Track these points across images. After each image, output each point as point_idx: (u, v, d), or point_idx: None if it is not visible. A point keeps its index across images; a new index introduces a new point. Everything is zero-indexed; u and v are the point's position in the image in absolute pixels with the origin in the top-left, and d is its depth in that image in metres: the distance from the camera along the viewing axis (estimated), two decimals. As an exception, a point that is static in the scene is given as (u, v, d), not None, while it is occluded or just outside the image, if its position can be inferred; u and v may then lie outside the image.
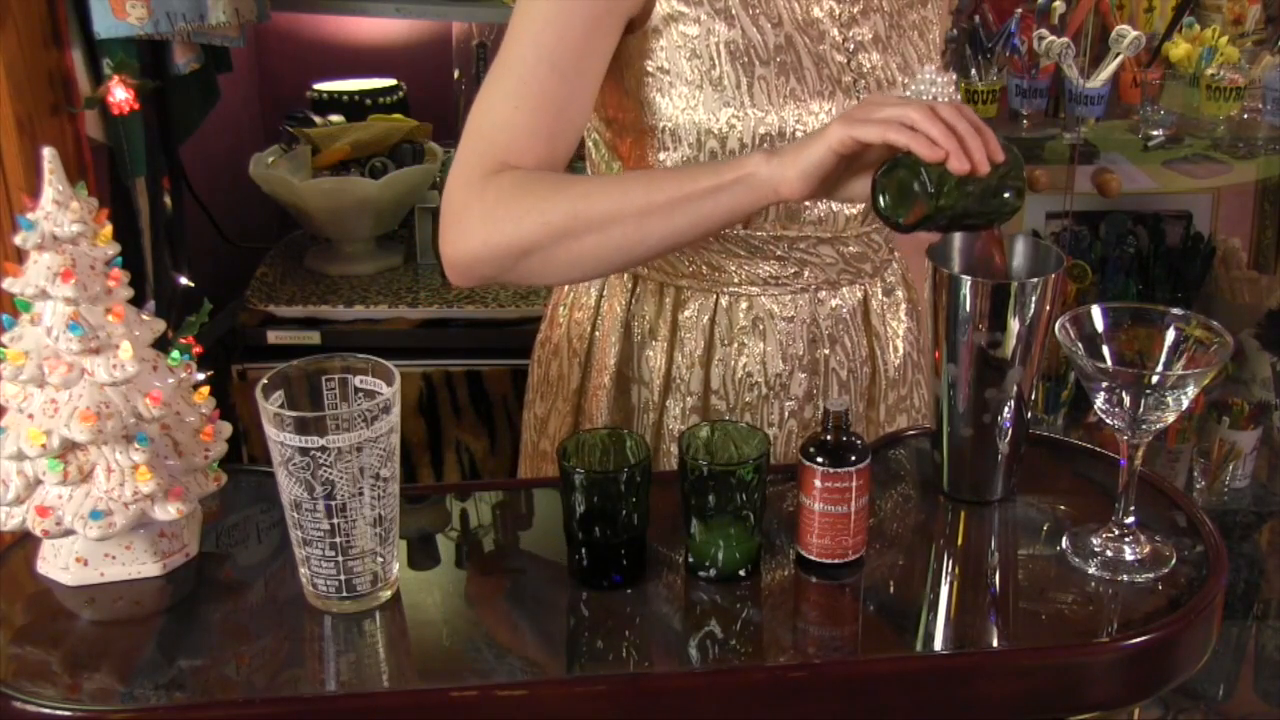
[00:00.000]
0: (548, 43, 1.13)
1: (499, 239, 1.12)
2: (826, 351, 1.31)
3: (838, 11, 1.22)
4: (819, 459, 1.00)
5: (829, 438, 1.01)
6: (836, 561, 1.02)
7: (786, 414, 1.31)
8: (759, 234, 1.25)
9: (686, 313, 1.30)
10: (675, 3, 1.17)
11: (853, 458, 1.00)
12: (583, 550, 1.00)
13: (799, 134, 1.19)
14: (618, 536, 0.99)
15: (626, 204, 1.11)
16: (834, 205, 1.25)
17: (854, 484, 1.00)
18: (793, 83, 1.19)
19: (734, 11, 1.18)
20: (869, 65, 1.23)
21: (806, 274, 1.28)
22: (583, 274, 1.24)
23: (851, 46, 1.22)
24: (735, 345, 1.29)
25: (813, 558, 1.02)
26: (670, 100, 1.20)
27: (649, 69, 1.20)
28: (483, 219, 1.12)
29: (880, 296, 1.35)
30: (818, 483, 1.00)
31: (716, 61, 1.18)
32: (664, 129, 1.21)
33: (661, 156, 1.22)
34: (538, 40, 1.13)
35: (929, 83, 1.16)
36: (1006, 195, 1.03)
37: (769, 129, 1.18)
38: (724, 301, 1.29)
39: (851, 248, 1.29)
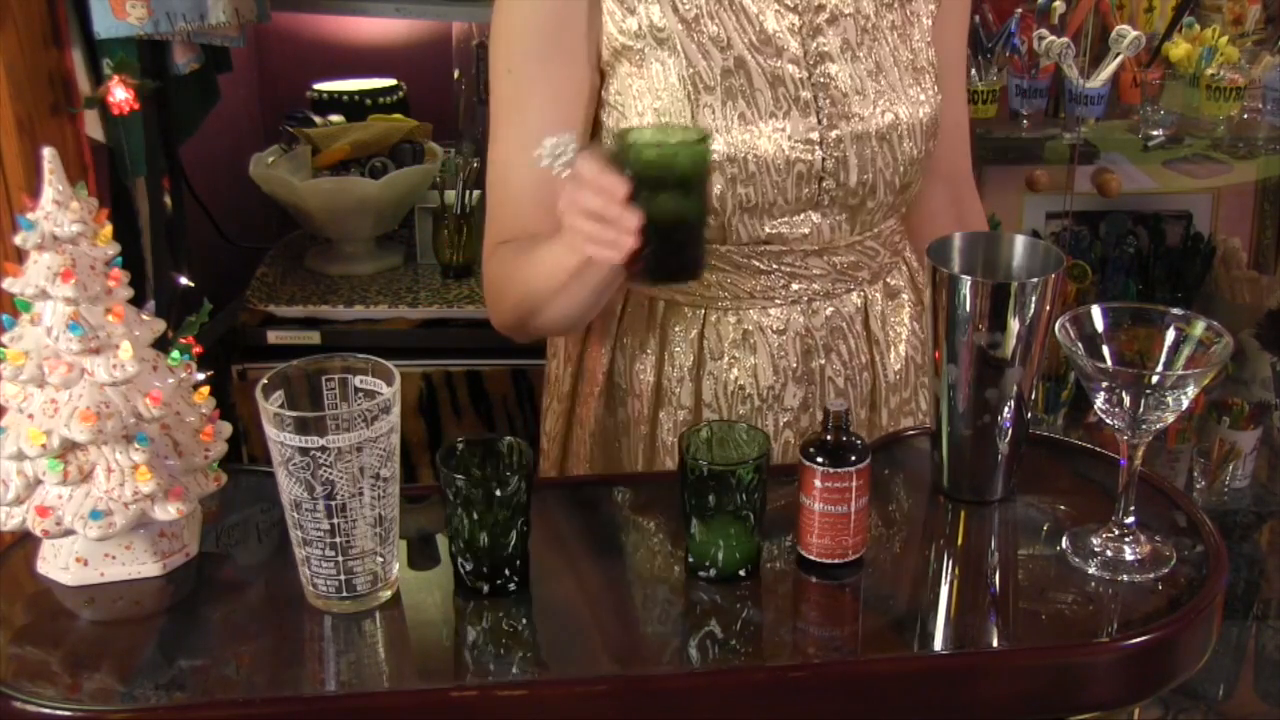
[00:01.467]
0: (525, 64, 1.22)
1: (504, 315, 1.29)
2: (822, 361, 1.30)
3: (798, 24, 1.21)
4: (819, 459, 1.00)
5: (829, 438, 1.01)
6: (836, 561, 1.02)
7: (782, 424, 1.30)
8: (737, 249, 1.25)
9: (675, 327, 1.30)
10: (621, 38, 1.19)
11: (853, 458, 1.00)
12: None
13: (749, 157, 1.19)
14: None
15: (541, 287, 1.20)
16: (815, 220, 1.25)
17: (854, 484, 1.00)
18: (741, 105, 1.19)
19: (677, 42, 1.19)
20: (833, 75, 1.22)
21: (795, 286, 1.28)
22: (573, 323, 1.29)
23: (813, 60, 1.22)
24: (725, 359, 1.29)
25: (813, 558, 1.02)
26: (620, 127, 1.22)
27: (604, 99, 1.23)
28: (492, 298, 1.30)
29: (881, 301, 1.33)
30: (818, 483, 1.00)
31: (661, 92, 1.19)
32: None
33: None
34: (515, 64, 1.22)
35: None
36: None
37: (716, 153, 1.18)
38: (712, 316, 1.28)
39: (844, 258, 1.28)
